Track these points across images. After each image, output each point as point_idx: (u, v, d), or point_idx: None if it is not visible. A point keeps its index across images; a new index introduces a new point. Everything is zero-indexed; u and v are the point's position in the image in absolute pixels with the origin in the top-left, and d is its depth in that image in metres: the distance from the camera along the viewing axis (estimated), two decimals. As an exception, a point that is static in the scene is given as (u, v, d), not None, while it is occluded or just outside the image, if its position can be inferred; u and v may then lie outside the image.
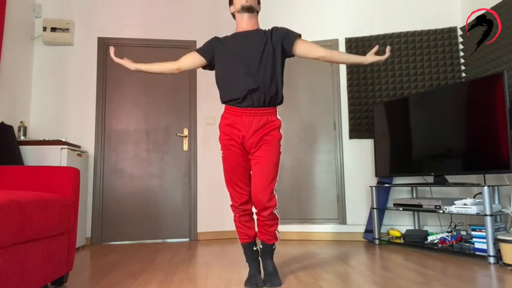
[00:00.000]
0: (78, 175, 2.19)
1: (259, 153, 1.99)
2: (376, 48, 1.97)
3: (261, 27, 2.13)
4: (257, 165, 1.99)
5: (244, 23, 2.06)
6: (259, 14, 2.17)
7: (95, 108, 3.90)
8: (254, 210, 2.09)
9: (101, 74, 3.95)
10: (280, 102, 2.08)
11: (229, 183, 2.08)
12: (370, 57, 1.98)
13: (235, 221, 2.14)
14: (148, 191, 3.91)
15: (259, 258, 2.17)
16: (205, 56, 2.10)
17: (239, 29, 2.09)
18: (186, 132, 4.04)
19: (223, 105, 2.10)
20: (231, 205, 2.12)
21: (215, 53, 2.07)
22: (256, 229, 2.14)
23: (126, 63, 2.14)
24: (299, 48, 2.03)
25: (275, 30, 2.05)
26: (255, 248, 2.15)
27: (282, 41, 2.02)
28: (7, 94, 3.39)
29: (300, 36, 2.05)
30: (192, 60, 2.12)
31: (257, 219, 2.07)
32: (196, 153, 4.02)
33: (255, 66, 1.97)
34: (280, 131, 2.06)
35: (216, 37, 2.14)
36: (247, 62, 1.97)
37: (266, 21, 4.04)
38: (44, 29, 3.80)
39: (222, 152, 2.08)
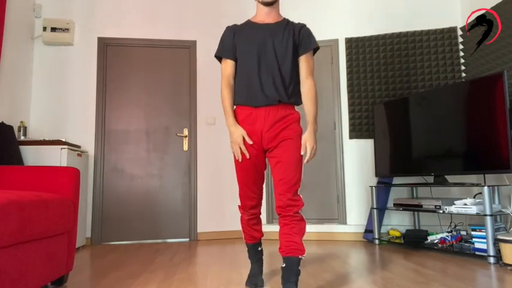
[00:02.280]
0: (78, 175, 2.19)
1: (280, 151, 1.80)
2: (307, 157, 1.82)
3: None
4: (278, 165, 1.79)
5: (264, 14, 1.90)
6: None
7: (95, 108, 3.90)
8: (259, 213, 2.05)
9: (101, 74, 3.95)
10: (299, 102, 1.90)
11: (241, 184, 1.94)
12: (308, 144, 1.79)
13: (242, 221, 2.05)
14: (148, 191, 3.91)
15: (281, 279, 1.78)
16: (231, 57, 1.91)
17: (258, 19, 1.92)
18: (186, 132, 4.04)
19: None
20: (239, 206, 2.00)
21: (237, 48, 1.90)
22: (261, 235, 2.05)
23: (245, 135, 1.85)
24: (302, 60, 1.88)
25: (302, 28, 1.89)
26: (259, 249, 2.12)
27: (300, 42, 1.88)
28: (7, 94, 3.39)
29: (316, 49, 1.90)
30: (230, 68, 1.92)
31: (280, 225, 1.79)
32: (196, 153, 4.02)
33: (272, 65, 1.83)
34: (301, 124, 1.88)
35: (230, 29, 1.93)
36: (264, 58, 1.83)
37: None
38: (44, 29, 3.80)
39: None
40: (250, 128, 1.84)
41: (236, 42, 1.89)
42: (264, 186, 3.96)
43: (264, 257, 2.84)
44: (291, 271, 1.72)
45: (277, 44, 1.84)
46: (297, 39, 1.87)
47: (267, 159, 3.09)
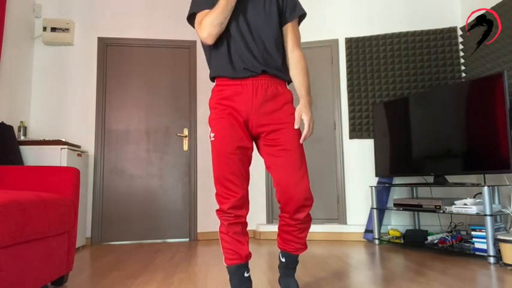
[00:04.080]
0: (78, 175, 2.19)
1: (278, 135, 1.55)
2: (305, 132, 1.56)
3: None
4: (282, 152, 1.53)
5: None
6: None
7: (95, 108, 3.90)
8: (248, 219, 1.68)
9: (101, 74, 3.95)
10: (288, 79, 1.65)
11: (218, 176, 1.53)
12: (304, 115, 1.56)
13: (221, 232, 1.59)
14: (148, 191, 3.91)
15: (279, 269, 1.75)
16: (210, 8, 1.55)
17: None
18: (186, 132, 4.04)
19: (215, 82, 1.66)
20: (217, 210, 1.58)
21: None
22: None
23: None
24: (288, 29, 1.65)
25: None
26: (246, 274, 1.56)
27: (285, 9, 1.64)
28: (7, 94, 3.39)
29: (303, 16, 1.68)
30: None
31: (284, 225, 1.61)
32: (196, 153, 4.02)
33: (261, 34, 1.56)
34: (294, 106, 1.62)
35: None
36: (244, 25, 1.56)
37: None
38: (44, 29, 3.80)
39: (212, 135, 1.56)
40: (234, 106, 1.54)
41: (214, 3, 1.53)
42: (264, 183, 3.96)
43: (263, 255, 2.85)
44: (291, 264, 1.68)
45: (259, 9, 1.58)
46: (281, 4, 1.63)
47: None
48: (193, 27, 1.61)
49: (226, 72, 1.55)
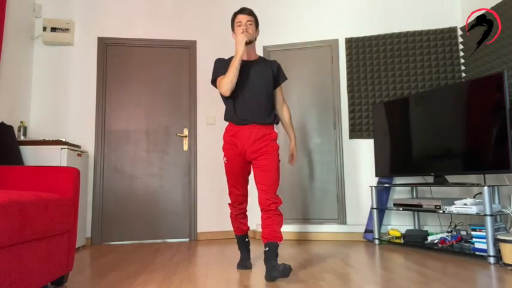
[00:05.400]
0: (78, 175, 2.19)
1: (262, 161, 2.30)
2: (293, 159, 2.53)
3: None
4: (261, 172, 2.29)
5: (245, 53, 2.37)
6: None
7: (95, 108, 3.90)
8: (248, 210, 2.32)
9: (101, 74, 3.95)
10: (277, 123, 2.43)
11: (230, 186, 2.42)
12: (295, 152, 2.52)
13: (231, 217, 2.50)
14: (148, 191, 3.91)
15: (264, 260, 2.21)
16: None
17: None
18: (186, 132, 4.04)
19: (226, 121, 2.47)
20: (229, 203, 2.48)
21: None
22: (249, 226, 2.38)
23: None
24: (278, 90, 2.49)
25: (275, 64, 2.45)
26: (246, 240, 2.55)
27: (277, 76, 2.44)
28: (7, 94, 3.39)
29: (285, 80, 2.50)
30: None
31: (262, 218, 2.26)
32: (196, 153, 4.02)
33: (257, 93, 2.32)
34: (277, 142, 2.43)
35: (222, 59, 2.40)
36: (249, 88, 2.32)
37: (265, 21, 4.04)
38: (44, 29, 3.80)
39: (225, 159, 2.39)
40: (237, 142, 2.32)
41: (227, 69, 2.29)
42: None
43: (262, 254, 2.84)
44: (272, 253, 2.17)
45: (261, 78, 2.35)
46: (275, 74, 2.43)
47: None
48: (216, 87, 2.39)
49: (233, 120, 2.36)
